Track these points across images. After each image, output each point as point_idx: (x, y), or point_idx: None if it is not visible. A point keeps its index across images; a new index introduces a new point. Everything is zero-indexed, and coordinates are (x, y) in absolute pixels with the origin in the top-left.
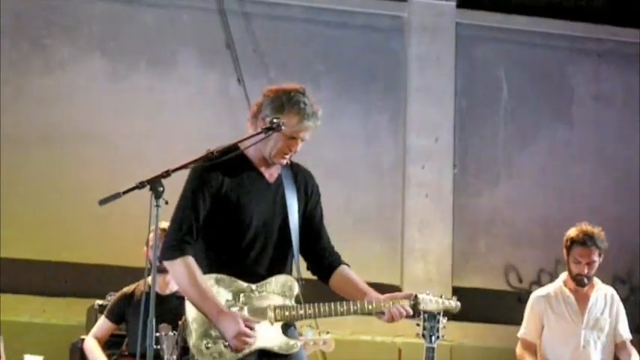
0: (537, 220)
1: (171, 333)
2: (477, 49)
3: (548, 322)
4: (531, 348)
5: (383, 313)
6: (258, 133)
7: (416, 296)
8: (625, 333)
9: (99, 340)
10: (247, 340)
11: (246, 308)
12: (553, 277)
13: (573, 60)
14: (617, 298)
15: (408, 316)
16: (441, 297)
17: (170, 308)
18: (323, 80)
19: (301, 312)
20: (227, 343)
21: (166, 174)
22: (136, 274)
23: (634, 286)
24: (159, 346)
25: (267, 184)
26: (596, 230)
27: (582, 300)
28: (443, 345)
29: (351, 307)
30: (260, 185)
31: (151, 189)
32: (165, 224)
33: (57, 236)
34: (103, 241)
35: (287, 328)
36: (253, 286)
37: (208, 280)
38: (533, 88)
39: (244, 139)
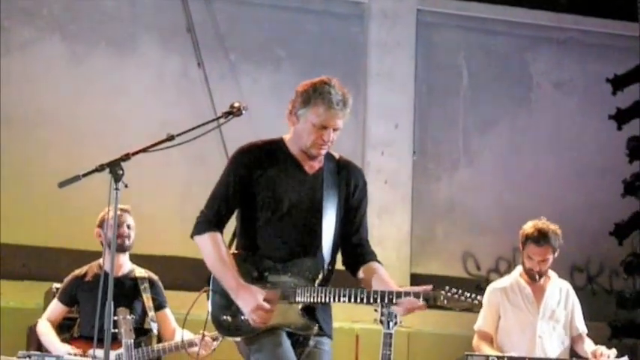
0: (496, 207)
1: (129, 316)
2: (438, 35)
3: (504, 313)
4: (487, 339)
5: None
6: (218, 117)
7: (436, 294)
8: (581, 326)
9: (52, 322)
10: (264, 315)
11: (269, 285)
12: (511, 265)
13: (534, 48)
14: (572, 292)
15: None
16: (463, 294)
17: (124, 290)
18: (283, 65)
19: (321, 295)
20: (245, 318)
21: (126, 157)
22: (95, 257)
23: (591, 275)
24: (116, 330)
25: (305, 175)
26: (552, 228)
27: (538, 291)
28: (400, 331)
29: (372, 295)
30: (297, 175)
31: (110, 172)
32: (124, 205)
33: (15, 218)
34: (61, 224)
35: (308, 310)
36: (279, 266)
37: (238, 256)
38: (494, 75)
39: (206, 124)
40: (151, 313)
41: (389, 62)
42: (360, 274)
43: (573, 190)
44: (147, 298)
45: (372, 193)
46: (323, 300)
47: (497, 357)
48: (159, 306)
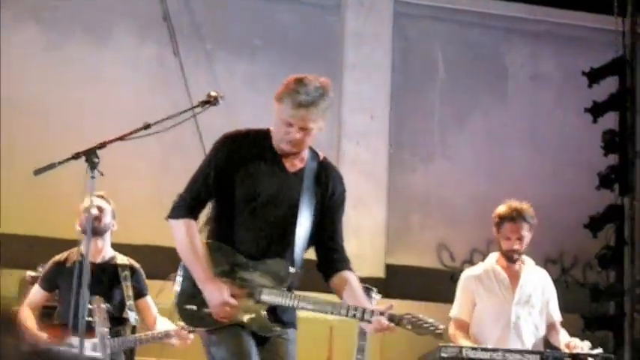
0: (471, 199)
1: (103, 305)
2: (414, 27)
3: (479, 299)
4: (463, 327)
5: (369, 321)
6: (195, 106)
7: (402, 317)
8: (556, 315)
9: (33, 309)
10: (228, 311)
11: (237, 282)
12: (485, 257)
13: (510, 40)
14: (549, 280)
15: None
16: (427, 322)
17: (103, 276)
18: (259, 54)
19: (286, 300)
20: (209, 310)
21: (102, 145)
22: (70, 245)
23: (565, 266)
24: (91, 318)
25: (286, 173)
26: (525, 206)
27: (514, 277)
28: None
29: (338, 309)
30: (278, 171)
31: (86, 160)
32: (100, 192)
33: None
34: (35, 212)
35: (273, 311)
36: (250, 263)
37: (212, 246)
38: (470, 67)
39: (183, 112)
40: (130, 302)
41: (365, 53)
42: (333, 281)
43: (548, 183)
44: (126, 287)
45: (347, 184)
46: (288, 305)
47: (472, 348)
48: (139, 294)
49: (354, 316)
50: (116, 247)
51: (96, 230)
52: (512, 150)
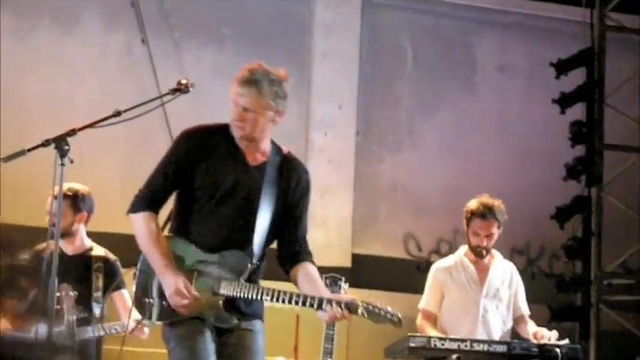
0: (438, 189)
1: (71, 293)
2: (383, 16)
3: (448, 292)
4: (431, 319)
5: (325, 310)
6: (165, 94)
7: (357, 306)
8: (524, 308)
9: None
10: (183, 299)
11: (197, 275)
12: (452, 247)
13: (478, 31)
14: (516, 273)
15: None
16: (384, 310)
17: (74, 268)
18: (228, 44)
19: (244, 291)
20: (166, 303)
21: (72, 132)
22: (39, 232)
23: (531, 257)
24: (59, 306)
25: (247, 166)
26: (496, 203)
27: (482, 270)
28: None
29: (295, 298)
30: (239, 165)
31: (56, 147)
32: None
33: None
34: (4, 199)
35: (234, 303)
36: (209, 256)
37: (170, 242)
38: (438, 57)
39: (153, 100)
40: (97, 294)
41: (334, 42)
42: (293, 273)
43: (515, 173)
44: (96, 278)
45: (315, 173)
46: (246, 296)
47: (439, 338)
48: (116, 287)
49: (312, 305)
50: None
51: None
52: (479, 140)
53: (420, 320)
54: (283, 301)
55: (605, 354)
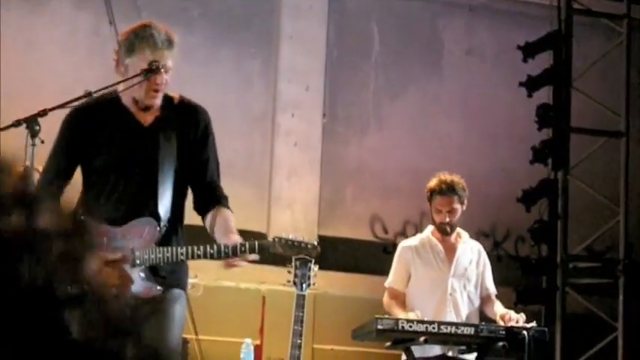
0: (404, 171)
1: None
2: None
3: (415, 270)
4: (399, 297)
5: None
6: (135, 76)
7: (271, 243)
8: (491, 287)
9: None
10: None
11: (110, 251)
12: (418, 229)
13: (445, 14)
14: (484, 253)
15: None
16: (298, 241)
17: None
18: (196, 25)
19: (159, 255)
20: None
21: (43, 113)
22: None
23: (497, 240)
24: None
25: (141, 127)
26: (456, 178)
27: (450, 250)
28: (307, 293)
29: (210, 250)
30: (132, 129)
31: (27, 127)
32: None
33: None
34: None
35: (153, 272)
36: (117, 229)
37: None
38: (405, 40)
39: (120, 82)
40: None
41: (301, 25)
42: (207, 219)
43: (482, 156)
44: None
45: (281, 155)
46: (162, 260)
47: (407, 320)
48: None
49: (227, 254)
50: None
51: None
52: (446, 123)
53: (386, 298)
54: (199, 257)
55: (571, 337)
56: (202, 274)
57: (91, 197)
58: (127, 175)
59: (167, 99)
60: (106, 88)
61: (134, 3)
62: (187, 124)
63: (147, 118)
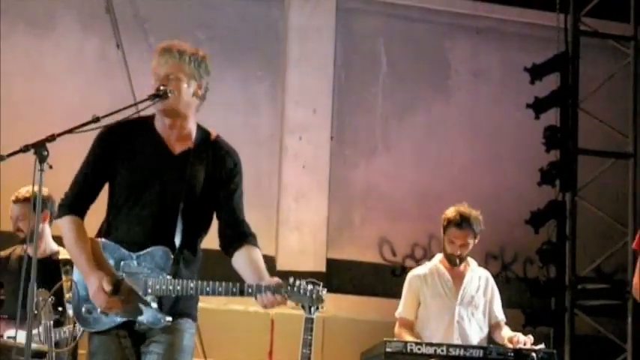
0: (412, 194)
1: (49, 298)
2: (357, 21)
3: (424, 299)
4: (408, 326)
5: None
6: (143, 100)
7: (278, 288)
8: (500, 315)
9: None
10: (105, 299)
11: (124, 276)
12: (427, 251)
13: (452, 36)
14: (491, 280)
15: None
16: (304, 288)
17: (44, 272)
18: (203, 48)
19: (170, 287)
20: (86, 308)
21: (52, 138)
22: (15, 238)
23: (506, 262)
24: (36, 311)
25: (171, 155)
26: (474, 213)
27: (458, 278)
28: (316, 316)
29: (219, 288)
30: (162, 155)
31: (35, 153)
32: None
33: None
34: None
35: (162, 302)
36: (134, 255)
37: (97, 244)
38: (412, 62)
39: (130, 106)
40: (68, 295)
41: (308, 47)
42: (235, 259)
43: (490, 178)
44: (66, 280)
45: (289, 177)
46: (173, 292)
47: (416, 343)
48: None
49: (234, 294)
50: (58, 240)
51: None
52: (453, 145)
53: (397, 328)
54: (207, 293)
55: (580, 358)
56: (212, 298)
57: (114, 220)
58: (149, 200)
59: (203, 132)
60: (116, 112)
61: (141, 26)
62: (218, 163)
63: (177, 147)
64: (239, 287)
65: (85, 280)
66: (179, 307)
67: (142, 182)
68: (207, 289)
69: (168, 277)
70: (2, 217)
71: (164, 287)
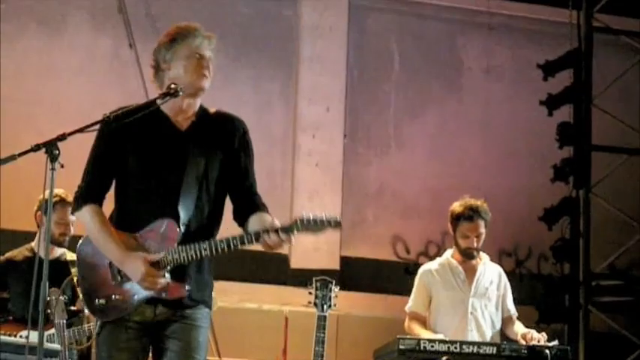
0: (425, 191)
1: (61, 297)
2: (370, 20)
3: (436, 293)
4: (419, 319)
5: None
6: (155, 99)
7: (292, 225)
8: (512, 309)
9: None
10: (154, 280)
11: (141, 254)
12: (440, 249)
13: (464, 33)
14: (504, 275)
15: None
16: (319, 218)
17: (54, 273)
18: (215, 47)
19: (183, 254)
20: (117, 297)
21: (62, 137)
22: (28, 237)
23: (520, 259)
24: (49, 310)
25: (178, 131)
26: (480, 202)
27: (470, 271)
28: (330, 314)
29: (233, 242)
30: (169, 133)
31: (46, 152)
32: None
33: None
34: None
35: (178, 276)
36: (137, 235)
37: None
38: (424, 60)
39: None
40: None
41: (321, 46)
42: (247, 224)
43: (503, 175)
44: (77, 280)
45: (302, 176)
46: (187, 259)
47: (429, 340)
48: None
49: (250, 241)
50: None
51: (61, 243)
52: (466, 142)
53: (407, 322)
54: (223, 250)
55: (594, 355)
56: (225, 296)
57: (125, 204)
58: (160, 179)
59: (203, 109)
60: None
61: (153, 25)
62: (225, 133)
63: (183, 124)
64: (254, 234)
65: (121, 266)
66: (196, 295)
67: (152, 165)
68: (222, 245)
69: (176, 246)
70: (2, 217)
71: (176, 256)
